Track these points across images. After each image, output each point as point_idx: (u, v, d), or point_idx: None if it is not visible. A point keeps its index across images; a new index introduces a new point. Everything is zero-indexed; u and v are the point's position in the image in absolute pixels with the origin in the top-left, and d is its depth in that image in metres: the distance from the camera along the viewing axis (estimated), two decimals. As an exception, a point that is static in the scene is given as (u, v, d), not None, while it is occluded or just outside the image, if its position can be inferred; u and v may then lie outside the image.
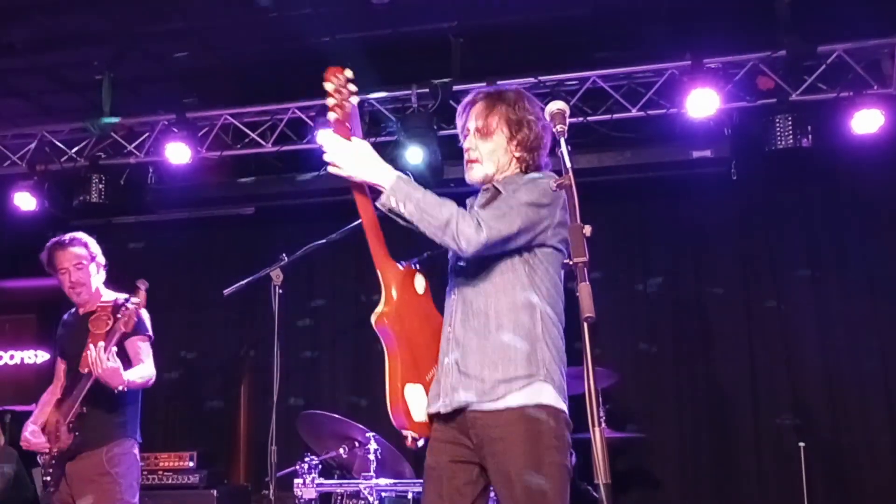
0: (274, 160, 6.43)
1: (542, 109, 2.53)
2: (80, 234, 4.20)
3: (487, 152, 2.66)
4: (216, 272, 6.74)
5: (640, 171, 6.02)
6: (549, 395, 2.45)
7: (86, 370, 3.77)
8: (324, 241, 4.02)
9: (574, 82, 5.75)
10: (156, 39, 5.71)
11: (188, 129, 6.12)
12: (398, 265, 2.66)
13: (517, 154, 2.65)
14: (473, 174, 2.69)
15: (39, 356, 7.36)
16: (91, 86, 6.11)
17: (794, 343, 6.11)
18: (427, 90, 5.78)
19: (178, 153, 6.10)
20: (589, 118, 5.75)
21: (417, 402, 2.59)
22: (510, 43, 5.75)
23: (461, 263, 2.62)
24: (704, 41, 5.44)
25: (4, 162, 6.60)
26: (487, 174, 2.66)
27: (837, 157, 5.72)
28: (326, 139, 2.54)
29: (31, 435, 4.00)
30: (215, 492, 5.69)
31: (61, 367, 4.24)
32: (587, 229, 2.13)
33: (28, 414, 4.16)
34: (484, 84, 5.60)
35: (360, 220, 2.62)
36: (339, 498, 4.59)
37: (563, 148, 2.30)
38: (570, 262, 2.09)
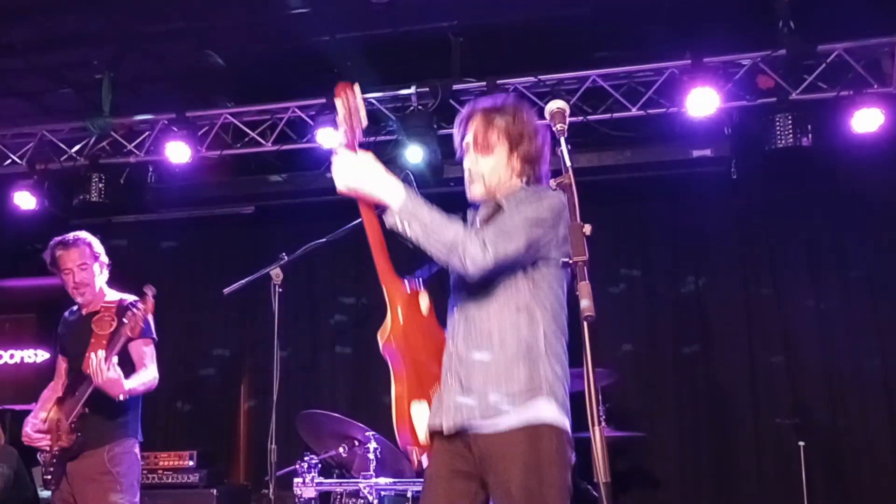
0: (274, 159, 6.43)
1: (540, 118, 2.52)
2: (84, 234, 4.19)
3: (489, 168, 2.63)
4: (216, 271, 6.75)
5: (640, 170, 6.02)
6: (551, 412, 2.43)
7: (89, 371, 3.77)
8: (324, 240, 4.02)
9: (574, 81, 5.75)
10: (155, 39, 5.71)
11: (188, 128, 6.12)
12: (403, 283, 2.64)
13: (518, 168, 2.63)
14: (475, 191, 2.66)
15: (39, 355, 7.36)
16: (91, 85, 6.11)
17: (794, 343, 6.12)
18: (427, 89, 5.77)
19: (177, 152, 6.10)
20: (589, 117, 5.75)
21: (423, 421, 2.58)
22: (510, 42, 5.74)
23: (464, 279, 2.60)
24: (704, 40, 5.44)
25: (4, 161, 6.60)
26: (490, 190, 2.64)
27: (837, 156, 5.72)
28: (335, 156, 2.50)
29: (33, 430, 4.00)
30: (215, 491, 5.70)
31: (62, 364, 4.23)
32: (587, 228, 2.13)
33: (28, 413, 4.15)
34: (484, 84, 5.63)
35: (360, 220, 2.61)
36: (339, 497, 4.59)
37: (563, 147, 2.29)
38: (570, 261, 2.09)
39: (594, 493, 2.01)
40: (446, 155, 5.89)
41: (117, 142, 6.42)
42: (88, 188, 6.23)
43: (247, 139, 6.29)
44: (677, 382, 6.28)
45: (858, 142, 5.47)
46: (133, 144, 6.41)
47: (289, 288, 4.08)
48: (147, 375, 4.00)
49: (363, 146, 2.57)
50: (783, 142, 5.34)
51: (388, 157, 5.95)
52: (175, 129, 6.11)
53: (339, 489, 4.59)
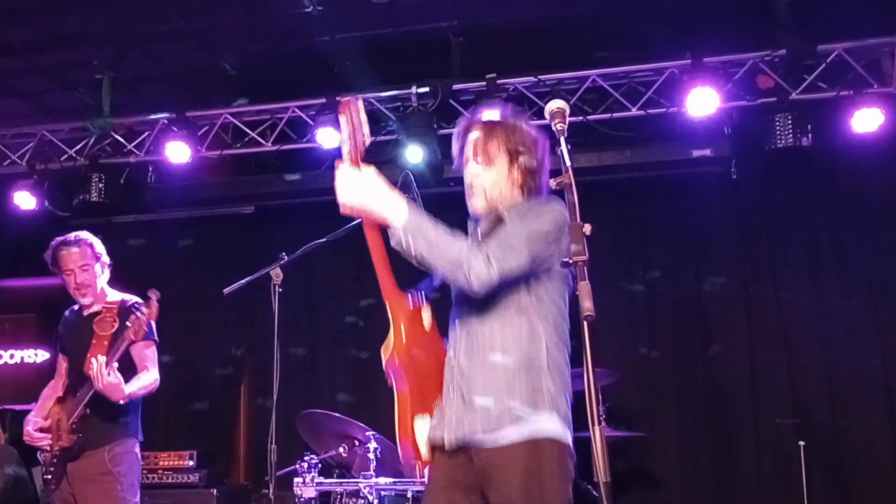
0: (274, 159, 6.43)
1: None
2: (85, 234, 4.17)
3: (490, 182, 2.61)
4: (216, 271, 6.75)
5: (639, 170, 6.02)
6: (553, 425, 2.42)
7: (90, 374, 3.77)
8: (324, 240, 4.02)
9: (574, 81, 5.75)
10: (155, 39, 5.71)
11: (188, 128, 6.12)
12: (406, 298, 2.63)
13: (519, 179, 2.61)
14: (477, 204, 2.64)
15: (39, 355, 7.36)
16: (91, 85, 6.11)
17: (794, 342, 6.12)
18: (427, 89, 5.78)
19: (177, 152, 6.10)
20: (589, 117, 5.75)
21: (426, 436, 2.58)
22: (510, 42, 5.75)
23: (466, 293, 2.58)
24: (704, 40, 5.44)
25: (4, 161, 6.60)
26: (492, 203, 2.62)
27: (837, 156, 5.72)
28: (338, 172, 2.46)
29: (34, 429, 4.00)
30: (215, 491, 5.70)
31: (62, 363, 4.23)
32: (587, 228, 2.12)
33: (28, 413, 4.15)
34: (484, 83, 5.63)
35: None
36: (339, 497, 4.58)
37: (563, 147, 2.29)
38: (570, 261, 2.09)
39: (594, 492, 2.01)
40: (446, 155, 5.83)
41: (117, 142, 6.42)
42: (88, 188, 6.23)
43: (247, 139, 6.29)
44: (677, 382, 6.28)
45: (858, 142, 5.47)
46: (133, 144, 6.42)
47: (289, 288, 4.08)
48: (148, 379, 4.00)
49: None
50: (783, 142, 5.34)
51: (387, 156, 5.95)
52: (175, 128, 6.12)
53: (339, 489, 4.59)
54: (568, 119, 2.35)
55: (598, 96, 5.79)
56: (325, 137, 5.83)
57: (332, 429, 4.95)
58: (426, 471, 2.61)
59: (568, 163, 2.24)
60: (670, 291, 6.43)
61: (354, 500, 4.48)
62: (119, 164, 6.47)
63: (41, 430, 3.98)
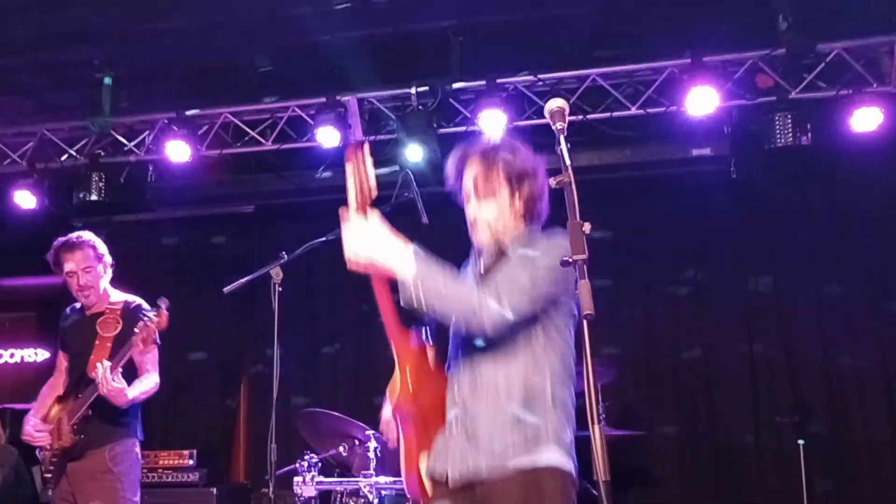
0: (273, 158, 6.43)
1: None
2: (88, 235, 4.15)
3: (494, 214, 2.60)
4: (216, 270, 6.75)
5: (639, 169, 6.02)
6: (556, 457, 2.42)
7: (94, 377, 3.77)
8: (324, 239, 4.03)
9: (574, 80, 5.75)
10: (156, 37, 5.70)
11: (188, 127, 6.11)
12: (411, 337, 2.62)
13: (521, 209, 2.60)
14: (482, 239, 2.62)
15: (39, 354, 7.37)
16: (91, 84, 6.11)
17: (794, 340, 6.12)
18: (427, 88, 5.77)
19: (177, 151, 6.10)
20: (588, 116, 5.75)
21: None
22: (510, 41, 5.74)
23: None
24: (704, 39, 5.44)
25: (4, 160, 6.60)
26: (496, 236, 2.61)
27: (837, 154, 5.72)
28: (345, 223, 2.45)
29: (34, 429, 4.00)
30: (215, 490, 5.70)
31: (63, 361, 4.23)
32: (587, 227, 2.12)
33: (28, 412, 4.16)
34: (483, 83, 5.62)
35: None
36: (339, 496, 4.59)
37: (563, 146, 2.29)
38: (570, 260, 2.09)
39: (594, 491, 2.01)
40: (446, 154, 5.86)
41: (117, 141, 6.42)
42: (88, 187, 6.23)
43: (247, 138, 6.29)
44: (677, 381, 6.28)
45: (858, 141, 5.47)
46: (133, 143, 6.42)
47: (289, 287, 4.09)
48: (149, 383, 4.00)
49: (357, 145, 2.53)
50: (783, 140, 5.34)
51: (387, 156, 5.96)
52: (175, 128, 6.11)
53: (339, 488, 4.59)
54: (568, 118, 2.35)
55: (597, 95, 5.79)
56: (326, 137, 5.83)
57: (332, 428, 4.95)
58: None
59: (567, 162, 2.23)
60: (670, 290, 6.43)
61: (354, 499, 4.48)
62: (119, 163, 6.46)
63: (41, 430, 3.99)
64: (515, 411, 2.43)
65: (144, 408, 4.13)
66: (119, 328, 3.95)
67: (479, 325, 2.36)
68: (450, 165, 2.71)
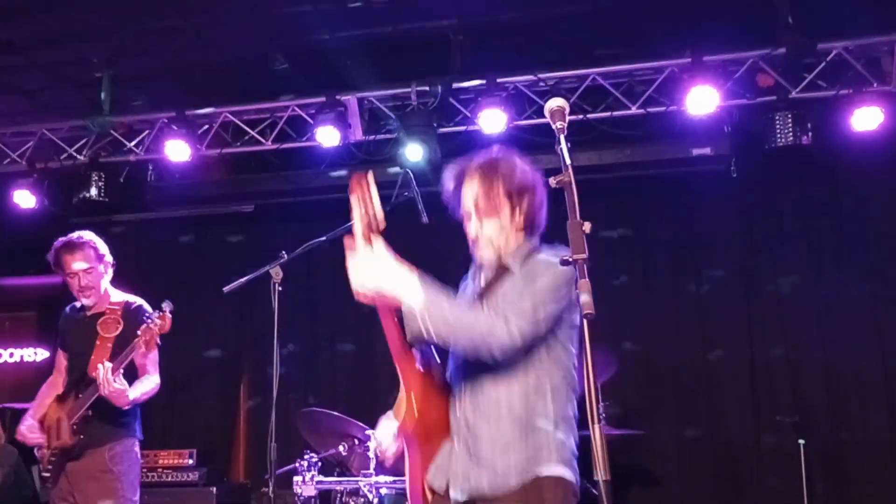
0: (273, 158, 6.43)
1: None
2: (88, 236, 4.14)
3: (495, 231, 2.60)
4: (216, 270, 6.74)
5: (639, 168, 6.01)
6: (556, 467, 2.44)
7: (95, 377, 3.77)
8: (323, 238, 4.03)
9: (574, 80, 5.75)
10: (155, 37, 5.70)
11: (188, 126, 6.11)
12: (415, 359, 2.60)
13: (521, 223, 2.60)
14: (486, 256, 2.62)
15: (39, 354, 7.35)
16: (90, 83, 6.11)
17: (794, 340, 6.12)
18: (427, 87, 5.77)
19: (177, 151, 6.10)
20: (588, 116, 5.74)
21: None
22: (510, 40, 5.74)
23: None
24: (704, 38, 5.43)
25: (4, 159, 6.60)
26: (499, 253, 2.61)
27: (837, 154, 5.72)
28: (350, 253, 2.44)
29: (28, 430, 4.00)
30: (215, 489, 5.70)
31: (62, 360, 4.23)
32: (587, 226, 2.12)
33: (27, 411, 4.16)
34: (483, 82, 5.62)
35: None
36: (339, 495, 4.59)
37: (563, 145, 2.28)
38: (570, 259, 2.08)
39: (594, 490, 2.00)
40: (446, 153, 5.89)
41: (117, 140, 6.42)
42: (88, 186, 6.22)
43: (246, 137, 6.29)
44: (677, 381, 6.28)
45: (858, 140, 5.47)
46: (133, 143, 6.42)
47: (289, 286, 4.09)
48: (150, 384, 4.00)
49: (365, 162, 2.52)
50: (783, 140, 5.34)
51: (387, 155, 5.96)
52: (175, 127, 6.11)
53: (339, 487, 4.59)
54: (568, 117, 2.34)
55: (598, 95, 5.78)
56: (325, 136, 5.83)
57: (331, 427, 4.95)
58: None
59: (567, 161, 2.23)
60: (670, 289, 6.42)
61: (354, 498, 4.48)
62: (119, 162, 6.46)
63: (35, 430, 3.99)
64: (517, 430, 2.44)
65: (144, 407, 4.13)
66: (120, 329, 3.95)
67: (487, 352, 2.37)
68: (447, 182, 2.69)
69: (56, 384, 4.18)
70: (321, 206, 6.25)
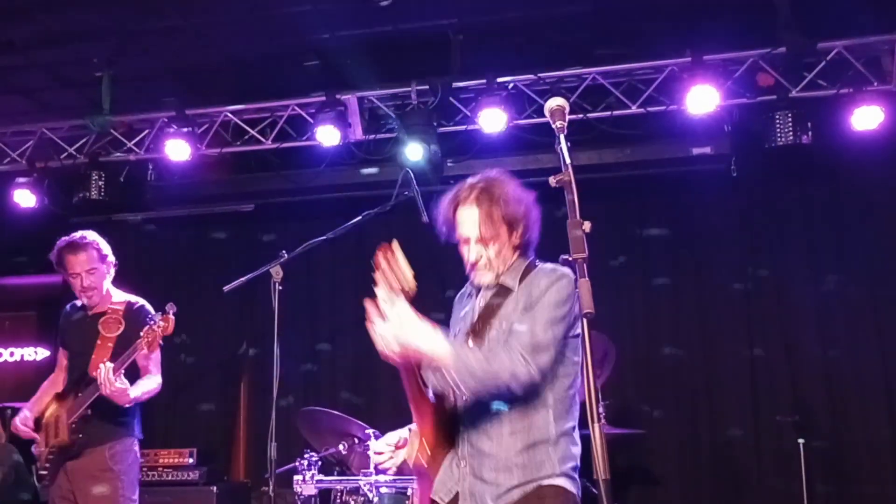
0: (273, 157, 6.43)
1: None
2: (92, 236, 4.14)
3: (495, 254, 2.62)
4: (216, 269, 6.75)
5: (639, 167, 6.01)
6: (557, 479, 2.49)
7: (96, 376, 3.77)
8: (324, 237, 4.03)
9: (574, 79, 5.75)
10: (155, 37, 5.70)
11: (188, 126, 6.11)
12: (429, 401, 2.64)
13: (518, 243, 2.64)
14: (486, 279, 2.65)
15: (39, 353, 7.35)
16: (90, 83, 6.11)
17: (794, 339, 6.12)
18: (427, 87, 5.77)
19: (177, 150, 6.09)
20: (589, 115, 5.74)
21: None
22: (510, 40, 5.74)
23: None
24: (704, 38, 5.43)
25: (4, 159, 6.60)
26: (499, 275, 2.64)
27: (837, 153, 5.72)
28: (375, 317, 2.39)
29: (21, 422, 4.01)
30: (215, 488, 5.71)
31: (63, 358, 4.23)
32: (586, 225, 2.12)
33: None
34: (483, 81, 5.62)
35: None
36: (339, 494, 4.59)
37: (563, 144, 2.28)
38: (570, 259, 2.09)
39: (594, 490, 2.01)
40: (446, 153, 5.90)
41: (117, 140, 6.42)
42: (88, 186, 6.22)
43: (246, 137, 6.29)
44: (677, 380, 6.28)
45: (858, 139, 5.47)
46: (133, 142, 6.42)
47: (289, 285, 4.09)
48: (151, 383, 4.01)
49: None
50: (783, 139, 5.33)
51: (388, 154, 5.96)
52: (175, 126, 6.11)
53: (339, 486, 4.60)
54: (568, 117, 2.35)
55: (597, 94, 5.78)
56: (325, 135, 5.83)
57: (332, 426, 4.95)
58: None
59: (567, 160, 2.23)
60: (670, 289, 6.42)
61: (354, 497, 4.48)
62: (119, 161, 6.46)
63: (27, 425, 3.99)
64: (519, 448, 2.49)
65: (144, 407, 4.14)
66: (121, 329, 3.95)
67: (511, 393, 2.43)
68: (448, 202, 2.69)
69: (57, 382, 4.19)
70: (321, 205, 6.27)
